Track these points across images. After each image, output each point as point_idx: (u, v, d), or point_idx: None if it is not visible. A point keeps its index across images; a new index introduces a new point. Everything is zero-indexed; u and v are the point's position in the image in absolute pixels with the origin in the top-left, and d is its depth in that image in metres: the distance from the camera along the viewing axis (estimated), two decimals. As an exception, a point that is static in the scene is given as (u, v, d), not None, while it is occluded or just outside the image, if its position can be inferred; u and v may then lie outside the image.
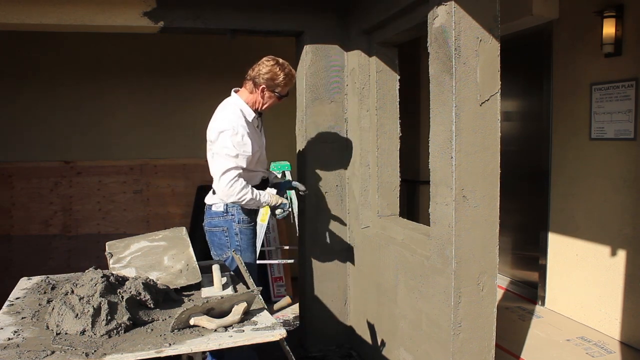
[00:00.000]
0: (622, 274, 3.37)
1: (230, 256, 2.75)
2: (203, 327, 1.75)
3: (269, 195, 2.79)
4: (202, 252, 4.35)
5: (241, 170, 2.65)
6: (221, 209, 2.82)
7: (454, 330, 2.27)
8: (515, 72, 4.24)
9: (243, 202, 2.69)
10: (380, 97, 3.28)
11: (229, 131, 2.63)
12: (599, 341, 3.41)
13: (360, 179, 3.43)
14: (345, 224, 3.56)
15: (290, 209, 2.91)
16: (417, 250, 2.70)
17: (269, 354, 3.22)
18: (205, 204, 2.93)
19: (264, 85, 2.71)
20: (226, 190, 2.64)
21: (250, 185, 2.69)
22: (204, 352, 1.76)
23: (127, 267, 2.21)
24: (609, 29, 3.31)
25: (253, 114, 2.79)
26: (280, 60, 2.76)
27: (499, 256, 2.35)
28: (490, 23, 2.22)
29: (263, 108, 2.83)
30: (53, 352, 1.56)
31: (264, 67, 2.71)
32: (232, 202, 2.72)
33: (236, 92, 2.85)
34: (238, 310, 1.83)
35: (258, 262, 3.78)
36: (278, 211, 2.83)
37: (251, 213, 2.88)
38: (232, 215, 2.81)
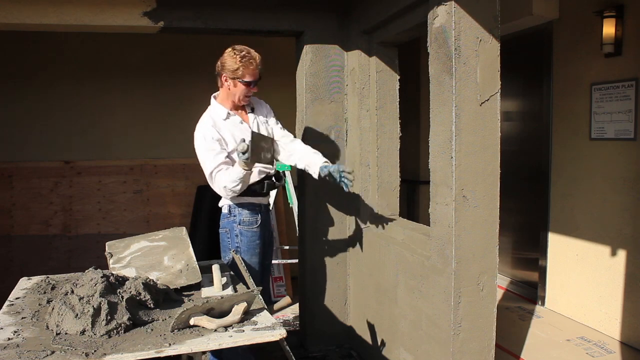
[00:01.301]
0: (622, 274, 3.37)
1: (231, 257, 2.74)
2: (203, 327, 1.75)
3: (239, 163, 2.53)
4: (202, 252, 4.36)
5: (222, 166, 2.61)
6: (226, 210, 2.83)
7: (454, 330, 2.27)
8: (515, 72, 4.24)
9: (237, 183, 2.56)
10: (380, 97, 3.28)
11: (198, 139, 2.67)
12: (599, 341, 3.41)
13: (360, 179, 3.43)
14: (345, 224, 3.56)
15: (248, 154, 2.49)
16: (417, 250, 2.70)
17: (269, 353, 3.23)
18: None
19: (224, 74, 2.69)
20: (219, 189, 2.64)
21: (230, 168, 2.61)
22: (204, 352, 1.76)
23: (127, 267, 2.21)
24: (609, 29, 3.31)
25: (225, 111, 2.75)
26: (238, 47, 2.69)
27: (499, 256, 2.34)
28: (490, 23, 2.21)
29: (240, 99, 2.74)
30: (53, 352, 1.56)
31: (222, 57, 2.69)
32: (235, 190, 2.60)
33: (215, 97, 2.82)
34: (238, 310, 1.83)
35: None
36: (242, 157, 2.50)
37: (254, 214, 2.81)
38: (235, 215, 2.80)
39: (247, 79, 2.67)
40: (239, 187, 2.59)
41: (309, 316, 3.58)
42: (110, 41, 4.81)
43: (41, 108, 4.97)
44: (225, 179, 2.58)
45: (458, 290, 2.26)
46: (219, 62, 2.71)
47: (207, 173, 2.65)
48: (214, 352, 2.75)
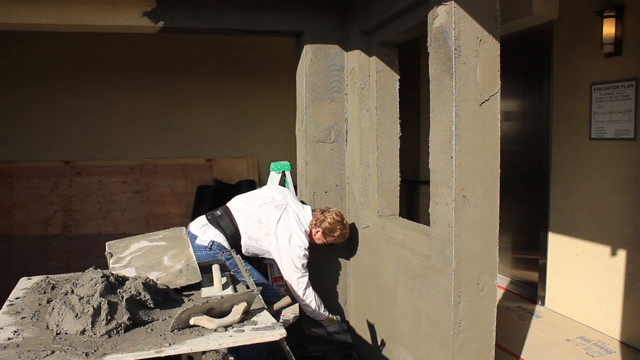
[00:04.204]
0: (622, 274, 3.37)
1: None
2: (203, 327, 1.75)
3: (330, 315, 3.25)
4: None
5: (309, 283, 3.08)
6: (205, 243, 2.96)
7: (454, 330, 2.27)
8: (515, 72, 4.24)
9: (308, 301, 3.08)
10: (380, 97, 3.28)
11: (303, 247, 3.01)
12: (599, 341, 3.41)
13: (360, 179, 3.43)
14: (345, 224, 3.56)
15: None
16: (417, 250, 2.70)
17: (269, 355, 3.23)
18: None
19: (320, 230, 3.10)
20: (302, 296, 3.06)
21: (315, 293, 3.11)
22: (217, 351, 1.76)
23: (127, 267, 2.21)
24: (609, 29, 3.31)
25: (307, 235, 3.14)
26: (345, 221, 3.18)
27: (499, 256, 2.35)
28: (490, 23, 2.21)
29: (310, 240, 3.13)
30: (53, 352, 1.56)
31: (331, 218, 3.11)
32: (309, 304, 3.10)
33: (313, 211, 3.17)
34: (238, 310, 1.83)
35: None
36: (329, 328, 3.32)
37: (234, 247, 2.99)
38: (215, 250, 2.94)
39: (328, 242, 3.15)
40: (312, 308, 3.11)
41: (309, 316, 3.57)
42: (110, 41, 4.81)
43: (41, 108, 4.97)
44: (314, 298, 3.09)
45: (458, 290, 2.26)
46: (325, 216, 3.10)
47: (295, 277, 3.01)
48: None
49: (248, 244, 3.06)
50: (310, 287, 3.07)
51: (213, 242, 2.96)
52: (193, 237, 2.97)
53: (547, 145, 3.98)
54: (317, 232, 3.11)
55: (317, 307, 3.12)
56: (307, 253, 3.03)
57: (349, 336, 3.40)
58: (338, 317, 3.32)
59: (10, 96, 4.90)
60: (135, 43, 4.95)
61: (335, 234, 3.12)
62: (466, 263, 2.26)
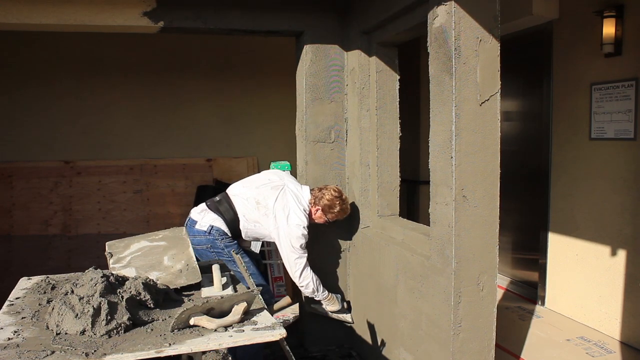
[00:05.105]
0: (622, 274, 3.37)
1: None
2: (203, 327, 1.75)
3: (330, 294, 3.21)
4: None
5: (308, 263, 3.05)
6: (204, 228, 2.96)
7: (454, 330, 2.27)
8: (515, 72, 4.24)
9: (305, 283, 3.05)
10: (380, 97, 3.28)
11: (301, 226, 2.99)
12: (599, 341, 3.41)
13: (360, 179, 3.43)
14: (345, 224, 3.56)
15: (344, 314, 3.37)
16: (417, 250, 2.71)
17: (268, 355, 3.23)
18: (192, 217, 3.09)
19: (319, 207, 3.09)
20: (298, 278, 3.03)
21: (312, 274, 3.08)
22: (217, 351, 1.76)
23: (127, 267, 2.21)
24: (609, 29, 3.31)
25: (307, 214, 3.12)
26: (344, 196, 3.16)
27: (499, 256, 2.35)
28: (490, 23, 2.22)
29: (311, 220, 3.13)
30: (53, 352, 1.56)
31: (329, 194, 3.09)
32: (301, 282, 3.06)
33: (311, 190, 3.16)
34: (238, 310, 1.83)
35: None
36: (329, 308, 3.27)
37: (233, 234, 3.01)
38: (214, 235, 2.95)
39: (330, 220, 3.15)
40: (309, 289, 3.08)
41: (309, 316, 3.57)
42: (110, 41, 4.81)
43: (41, 108, 4.97)
44: (312, 280, 3.06)
45: (458, 290, 2.26)
46: (323, 193, 3.10)
47: (293, 257, 2.99)
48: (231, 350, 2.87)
49: (247, 227, 3.06)
50: (308, 269, 3.04)
51: (212, 226, 2.96)
52: (193, 223, 2.98)
53: (547, 145, 3.98)
54: (317, 210, 3.10)
55: (314, 289, 3.10)
56: (306, 232, 3.01)
57: (349, 316, 3.38)
58: (339, 295, 3.30)
59: (10, 96, 4.90)
60: (136, 43, 4.95)
61: (335, 210, 3.09)
62: (466, 263, 2.26)
